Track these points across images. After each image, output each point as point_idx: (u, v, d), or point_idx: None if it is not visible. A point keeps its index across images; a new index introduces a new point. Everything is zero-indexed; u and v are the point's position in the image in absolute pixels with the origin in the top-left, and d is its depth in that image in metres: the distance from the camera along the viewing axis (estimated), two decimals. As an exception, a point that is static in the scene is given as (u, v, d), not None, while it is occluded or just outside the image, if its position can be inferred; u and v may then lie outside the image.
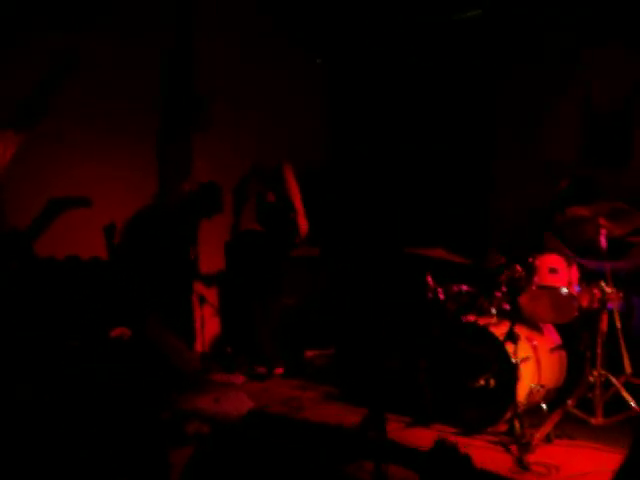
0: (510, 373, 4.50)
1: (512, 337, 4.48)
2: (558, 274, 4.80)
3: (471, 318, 5.01)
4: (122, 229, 6.12)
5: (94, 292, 5.60)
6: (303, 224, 6.51)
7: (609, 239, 4.67)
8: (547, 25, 6.59)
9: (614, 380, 4.47)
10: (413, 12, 7.35)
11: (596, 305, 4.65)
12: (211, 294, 7.05)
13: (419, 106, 7.51)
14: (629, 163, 6.15)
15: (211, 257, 7.04)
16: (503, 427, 4.63)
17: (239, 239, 6.91)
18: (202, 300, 6.87)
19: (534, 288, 4.85)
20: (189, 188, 6.84)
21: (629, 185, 5.51)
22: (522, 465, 4.08)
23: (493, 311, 5.00)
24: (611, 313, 4.56)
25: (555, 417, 4.44)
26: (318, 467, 4.10)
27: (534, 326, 5.07)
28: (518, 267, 4.91)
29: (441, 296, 5.41)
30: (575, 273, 4.84)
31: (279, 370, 6.46)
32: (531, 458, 4.16)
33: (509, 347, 4.52)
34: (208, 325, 6.90)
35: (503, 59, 7.00)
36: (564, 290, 4.79)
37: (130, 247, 6.35)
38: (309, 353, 6.68)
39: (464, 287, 5.39)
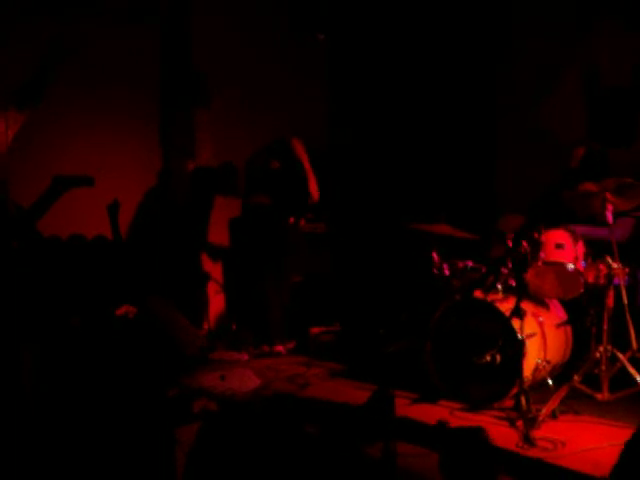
0: (516, 349, 4.49)
1: (518, 313, 4.47)
2: (564, 250, 4.79)
3: (477, 294, 4.99)
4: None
5: (99, 271, 5.60)
6: (314, 187, 6.53)
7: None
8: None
9: (620, 355, 4.45)
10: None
11: (602, 281, 4.63)
12: (216, 271, 7.05)
13: (421, 81, 7.46)
14: (635, 139, 6.12)
15: (216, 234, 7.03)
16: (509, 403, 4.63)
17: (246, 214, 6.90)
18: (207, 277, 6.88)
19: (540, 264, 4.83)
20: (194, 166, 6.83)
21: (636, 161, 5.48)
22: (528, 440, 4.07)
23: (499, 287, 4.99)
24: (617, 289, 4.54)
25: (561, 393, 4.44)
26: (328, 445, 4.10)
27: (540, 302, 5.06)
28: (524, 243, 4.88)
29: (446, 272, 5.41)
30: (581, 249, 4.82)
31: (290, 345, 6.49)
32: (537, 433, 4.15)
33: (515, 323, 4.51)
34: (213, 302, 6.91)
35: (506, 30, 6.94)
36: (570, 266, 4.77)
37: (135, 221, 6.36)
38: (314, 330, 6.69)
39: (469, 263, 5.38)
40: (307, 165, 6.55)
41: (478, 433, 3.67)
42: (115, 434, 4.10)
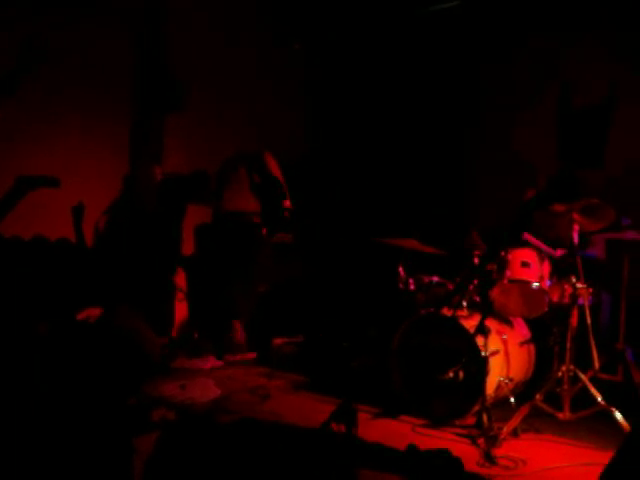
0: (479, 366, 4.50)
1: (482, 330, 4.47)
2: (530, 268, 4.81)
3: (444, 310, 4.99)
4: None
5: (61, 274, 5.50)
6: (287, 200, 6.55)
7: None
8: (526, 21, 6.61)
9: (582, 375, 4.47)
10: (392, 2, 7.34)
11: (567, 300, 4.66)
12: (179, 278, 6.97)
13: (398, 95, 7.51)
14: (604, 161, 6.20)
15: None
16: (471, 420, 4.63)
17: (217, 222, 6.83)
18: (172, 285, 6.79)
19: (505, 282, 4.85)
20: (162, 172, 6.75)
21: (604, 182, 5.54)
22: (489, 458, 4.07)
23: (464, 304, 4.99)
24: (581, 308, 4.57)
25: (523, 411, 4.44)
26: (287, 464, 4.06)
27: (504, 319, 5.08)
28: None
29: (412, 287, 5.41)
30: (547, 268, 4.85)
31: (251, 355, 6.42)
32: (498, 451, 4.16)
33: (479, 340, 4.52)
34: (176, 310, 6.81)
35: (479, 53, 7.01)
36: (535, 284, 4.80)
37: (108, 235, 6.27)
38: (277, 340, 6.64)
39: (435, 278, 5.39)
40: (281, 179, 6.57)
41: (450, 457, 3.65)
42: (72, 442, 4.02)
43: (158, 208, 6.75)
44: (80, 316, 5.36)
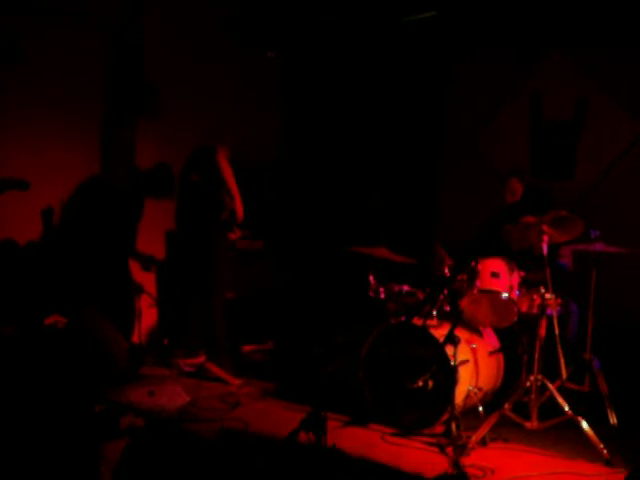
0: (449, 375, 4.53)
1: (452, 339, 4.50)
2: (500, 279, 4.84)
3: (413, 319, 5.01)
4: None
5: (30, 278, 5.45)
6: (239, 208, 6.01)
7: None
8: (499, 31, 6.68)
9: (549, 385, 4.52)
10: (365, 12, 7.38)
11: (535, 310, 4.72)
12: (149, 284, 6.92)
13: (370, 104, 7.54)
14: (574, 173, 6.29)
15: (151, 245, 6.91)
16: (440, 429, 4.64)
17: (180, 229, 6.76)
18: (139, 290, 6.74)
19: (475, 292, 4.88)
20: (133, 175, 6.70)
21: (575, 194, 5.57)
22: (457, 467, 4.09)
23: (434, 313, 5.02)
24: (550, 319, 4.61)
25: (491, 420, 4.48)
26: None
27: (474, 329, 5.12)
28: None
29: (382, 295, 5.43)
30: (516, 278, 4.88)
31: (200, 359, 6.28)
32: (467, 460, 4.19)
33: (449, 349, 4.54)
34: (145, 316, 6.77)
35: (453, 62, 7.07)
36: (504, 295, 4.83)
37: (68, 229, 6.18)
38: (246, 347, 6.61)
39: (405, 287, 5.41)
40: (231, 182, 6.00)
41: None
42: (37, 447, 3.97)
43: (125, 209, 6.70)
44: (48, 321, 5.32)
